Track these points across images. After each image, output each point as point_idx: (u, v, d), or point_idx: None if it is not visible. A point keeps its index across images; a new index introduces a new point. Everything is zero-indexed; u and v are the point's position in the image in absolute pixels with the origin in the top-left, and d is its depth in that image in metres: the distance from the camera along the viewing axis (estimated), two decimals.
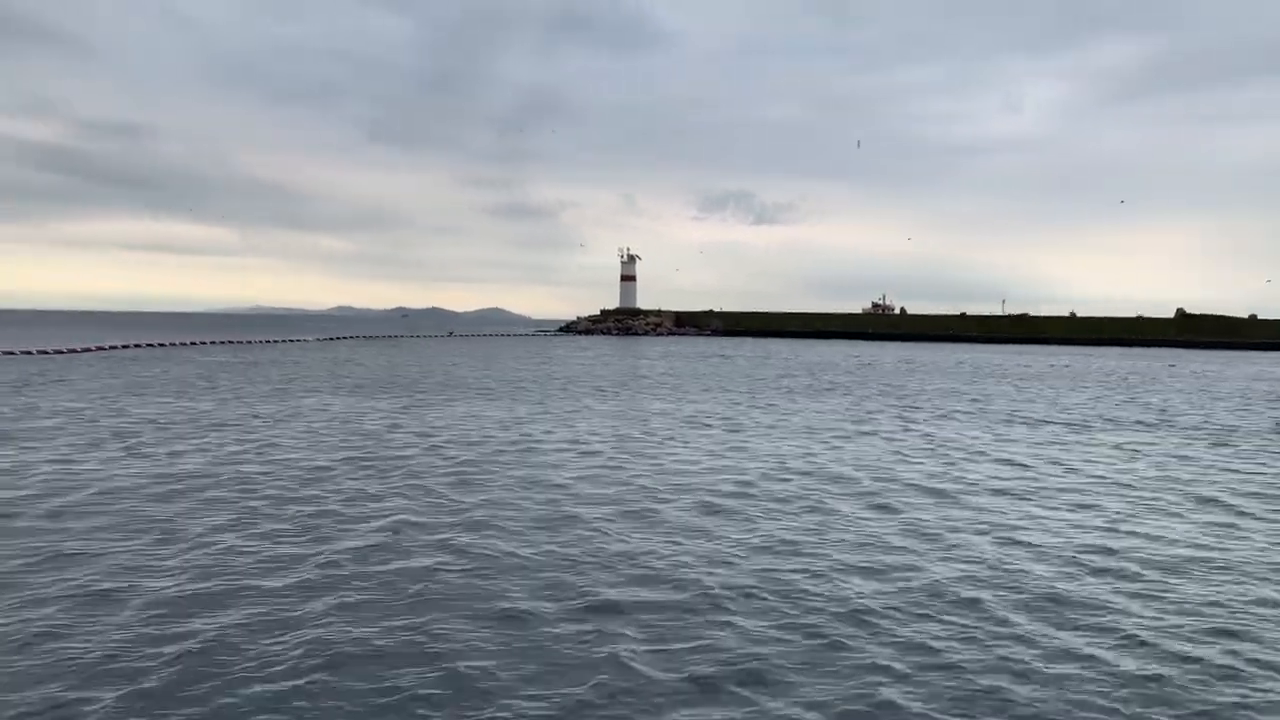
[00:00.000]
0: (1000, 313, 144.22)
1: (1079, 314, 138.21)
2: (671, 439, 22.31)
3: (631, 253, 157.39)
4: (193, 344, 75.05)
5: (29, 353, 55.14)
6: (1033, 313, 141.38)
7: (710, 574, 10.47)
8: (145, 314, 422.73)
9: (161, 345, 71.00)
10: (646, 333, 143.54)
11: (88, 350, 60.54)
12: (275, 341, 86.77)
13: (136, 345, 68.84)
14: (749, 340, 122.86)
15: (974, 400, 35.45)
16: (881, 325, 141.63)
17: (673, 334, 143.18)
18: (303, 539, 11.67)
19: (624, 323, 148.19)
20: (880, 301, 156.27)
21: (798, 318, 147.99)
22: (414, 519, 12.91)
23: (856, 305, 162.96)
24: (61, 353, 56.85)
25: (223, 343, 79.60)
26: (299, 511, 13.23)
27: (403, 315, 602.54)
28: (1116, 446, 22.44)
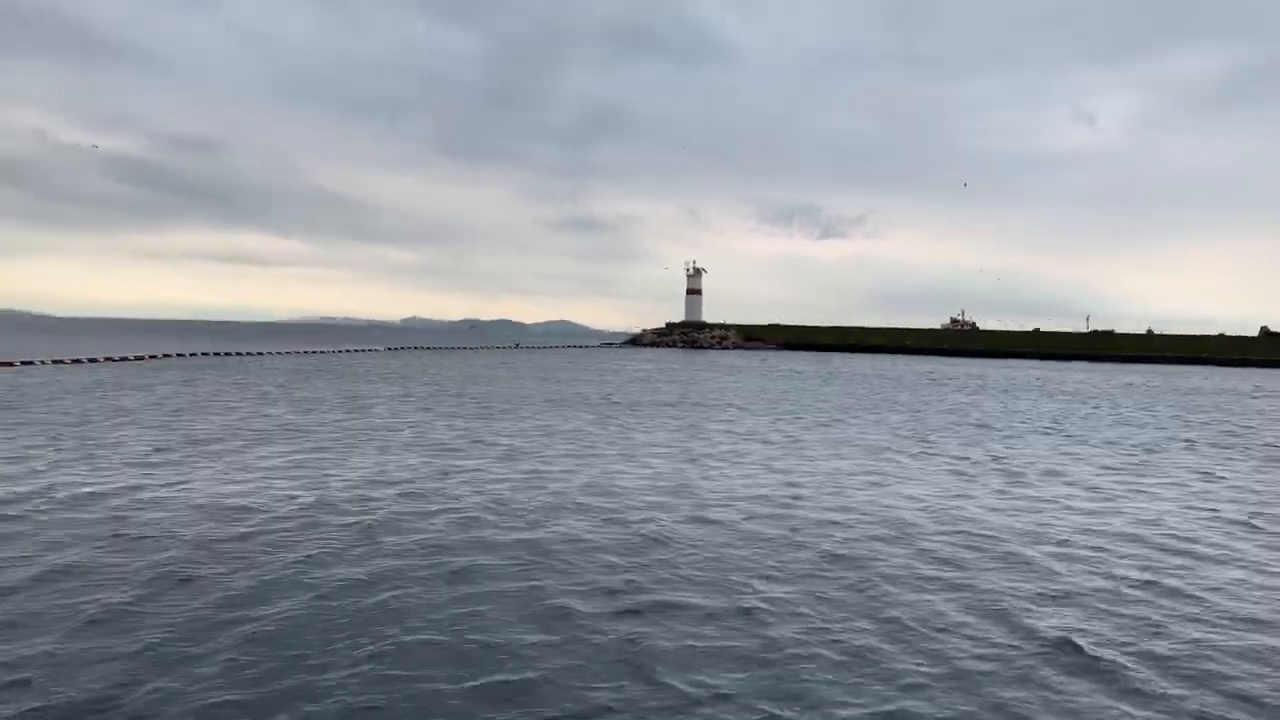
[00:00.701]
0: (1084, 329, 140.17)
1: (1156, 331, 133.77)
2: (743, 457, 22.29)
3: (697, 266, 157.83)
4: (272, 354, 77.43)
5: (110, 359, 57.57)
6: (1108, 329, 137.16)
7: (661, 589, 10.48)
8: (221, 323, 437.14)
9: (237, 354, 73.40)
10: (712, 346, 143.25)
11: (168, 356, 63.00)
12: (348, 351, 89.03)
13: (216, 354, 71.29)
14: (817, 355, 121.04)
15: (1053, 422, 34.58)
16: (956, 341, 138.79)
17: (739, 348, 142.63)
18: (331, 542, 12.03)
19: (689, 336, 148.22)
20: (959, 317, 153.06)
21: (867, 332, 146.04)
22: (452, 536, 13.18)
23: (927, 320, 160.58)
24: (141, 359, 59.27)
25: (301, 352, 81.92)
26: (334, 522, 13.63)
27: (471, 327, 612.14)
28: (1200, 473, 21.69)
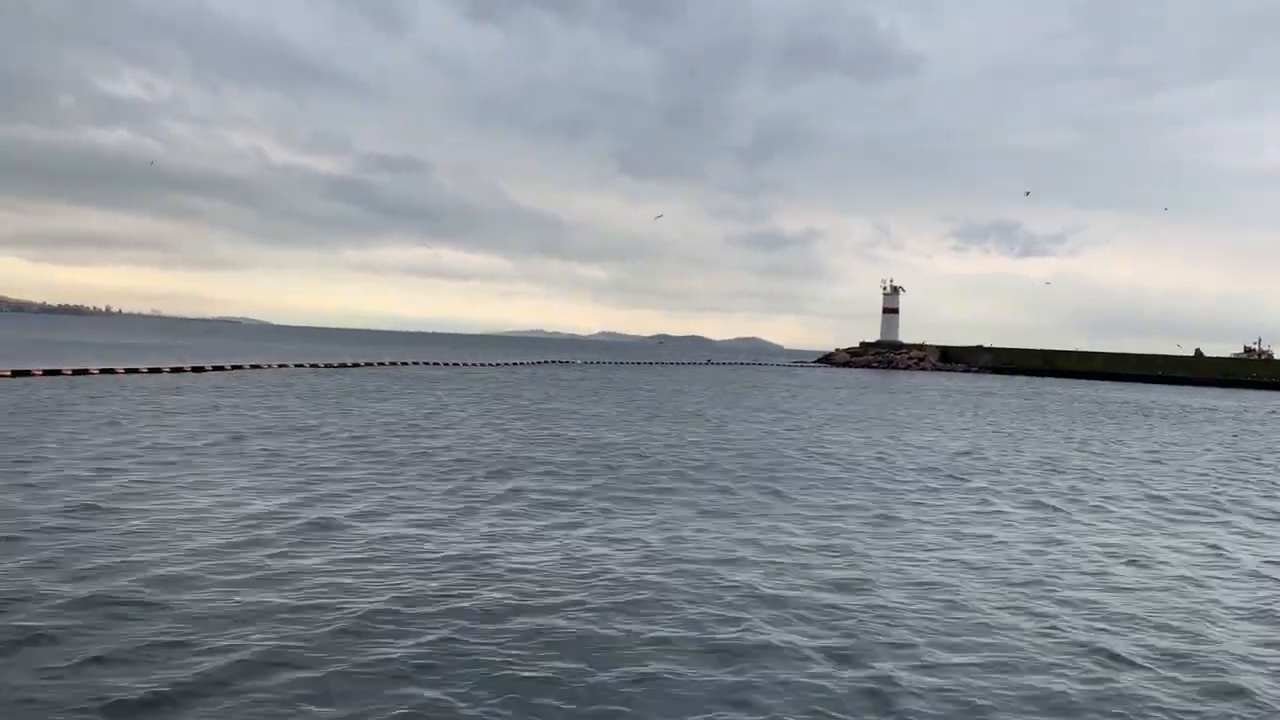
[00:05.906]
0: None
1: None
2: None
3: (894, 284, 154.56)
4: (497, 365, 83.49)
5: (360, 364, 64.14)
6: None
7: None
8: (434, 334, 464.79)
9: (459, 365, 79.51)
10: (909, 367, 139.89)
11: (416, 364, 69.28)
12: (552, 363, 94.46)
13: (449, 364, 77.66)
14: (1032, 381, 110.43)
15: None
16: (1217, 370, 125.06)
17: (937, 369, 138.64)
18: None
19: (885, 356, 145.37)
20: (1255, 345, 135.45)
21: (1097, 357, 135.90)
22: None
23: (1151, 345, 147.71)
24: (388, 364, 65.64)
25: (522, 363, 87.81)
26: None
27: (660, 342, 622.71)
28: None
